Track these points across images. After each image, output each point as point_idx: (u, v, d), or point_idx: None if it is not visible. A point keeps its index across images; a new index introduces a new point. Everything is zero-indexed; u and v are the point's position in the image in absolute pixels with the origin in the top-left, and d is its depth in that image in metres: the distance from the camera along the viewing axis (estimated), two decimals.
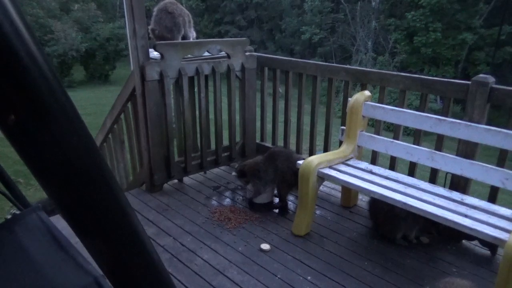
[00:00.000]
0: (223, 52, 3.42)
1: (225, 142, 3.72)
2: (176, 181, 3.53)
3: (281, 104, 3.72)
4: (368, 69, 3.34)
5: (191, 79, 3.29)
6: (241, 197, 3.31)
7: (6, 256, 0.56)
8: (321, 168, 2.66)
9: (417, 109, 2.80)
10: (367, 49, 20.87)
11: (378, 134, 2.93)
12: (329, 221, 2.96)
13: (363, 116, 2.86)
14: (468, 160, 2.40)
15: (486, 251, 2.59)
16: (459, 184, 2.59)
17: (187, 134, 3.33)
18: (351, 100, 2.88)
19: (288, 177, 2.97)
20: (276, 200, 3.22)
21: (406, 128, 3.17)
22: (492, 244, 2.45)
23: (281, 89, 3.83)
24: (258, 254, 2.56)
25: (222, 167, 3.82)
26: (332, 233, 2.80)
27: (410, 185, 2.53)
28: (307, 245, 2.66)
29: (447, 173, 2.55)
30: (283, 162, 3.00)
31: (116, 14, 25.41)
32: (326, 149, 3.35)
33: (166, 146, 3.24)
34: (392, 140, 2.75)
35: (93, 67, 20.50)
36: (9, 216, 0.62)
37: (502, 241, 1.92)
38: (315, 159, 2.70)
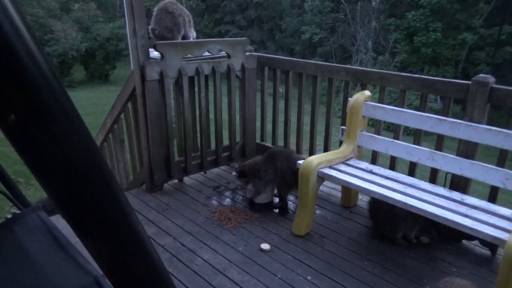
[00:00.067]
0: (223, 52, 3.42)
1: (225, 142, 3.72)
2: (176, 181, 3.53)
3: (281, 104, 3.72)
4: (368, 69, 3.34)
5: (191, 79, 3.29)
6: (241, 197, 3.31)
7: (6, 256, 0.56)
8: (321, 168, 2.66)
9: (417, 109, 2.80)
10: (367, 49, 20.87)
11: (378, 134, 2.93)
12: (329, 221, 2.96)
13: (363, 116, 2.86)
14: (468, 160, 2.40)
15: (486, 251, 2.59)
16: (459, 184, 2.59)
17: (187, 134, 3.33)
18: (351, 100, 2.88)
19: (288, 177, 2.97)
20: (276, 200, 3.22)
21: (406, 128, 3.17)
22: (492, 244, 2.45)
23: (281, 89, 3.83)
24: (258, 254, 2.56)
25: (222, 167, 3.82)
26: (332, 233, 2.80)
27: (410, 185, 2.53)
28: (307, 245, 2.66)
29: (447, 173, 2.55)
30: (283, 162, 3.00)
31: (116, 14, 25.41)
32: (326, 149, 3.35)
33: (166, 146, 3.24)
34: (392, 140, 2.75)
35: (93, 67, 20.50)
36: (9, 216, 0.62)
37: (502, 241, 1.92)
38: (315, 159, 2.69)
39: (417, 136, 2.79)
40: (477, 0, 18.36)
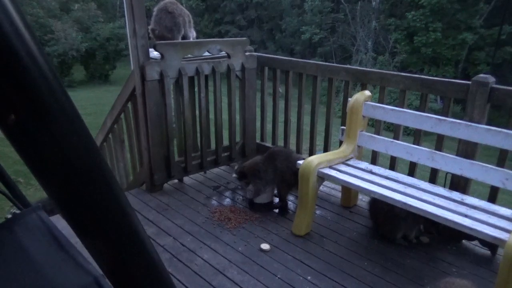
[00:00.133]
0: (223, 52, 3.42)
1: (225, 142, 3.72)
2: (176, 181, 3.53)
3: (281, 104, 3.72)
4: (368, 69, 3.34)
5: (191, 79, 3.29)
6: (241, 197, 3.31)
7: (6, 256, 0.56)
8: (321, 168, 2.66)
9: (417, 109, 2.80)
10: (367, 49, 20.87)
11: (378, 134, 2.93)
12: (329, 221, 2.96)
13: (363, 116, 2.86)
14: (468, 160, 2.40)
15: (486, 251, 2.59)
16: (459, 184, 2.59)
17: (187, 134, 3.33)
18: (351, 100, 2.88)
19: (287, 176, 2.97)
20: (276, 200, 3.22)
21: (406, 128, 3.17)
22: (492, 244, 2.45)
23: (281, 89, 3.83)
24: (258, 254, 2.56)
25: (222, 167, 3.82)
26: (332, 233, 2.80)
27: (410, 185, 2.53)
28: (307, 245, 2.66)
29: (447, 173, 2.55)
30: (282, 162, 3.00)
31: (116, 14, 25.42)
32: (326, 149, 3.35)
33: (166, 146, 3.24)
34: (392, 140, 2.75)
35: (93, 67, 20.51)
36: (9, 216, 0.62)
37: (502, 241, 1.92)
38: (315, 159, 2.70)
39: (417, 136, 2.79)
40: (477, 0, 18.36)
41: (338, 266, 2.44)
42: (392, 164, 2.97)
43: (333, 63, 16.48)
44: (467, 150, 2.51)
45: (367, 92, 2.87)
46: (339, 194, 3.27)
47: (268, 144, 3.92)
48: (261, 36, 25.29)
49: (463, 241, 2.67)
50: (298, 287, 2.27)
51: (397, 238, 2.65)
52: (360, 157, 2.96)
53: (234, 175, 3.21)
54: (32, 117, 0.33)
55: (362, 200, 3.21)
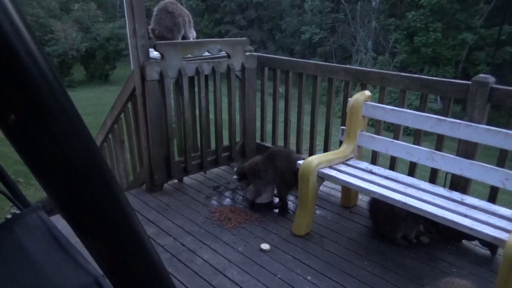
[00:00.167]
0: (223, 52, 3.42)
1: (225, 142, 3.72)
2: (176, 181, 3.53)
3: (281, 104, 3.72)
4: (368, 69, 3.34)
5: (191, 79, 3.29)
6: (241, 197, 3.31)
7: (6, 256, 0.56)
8: (321, 168, 2.66)
9: (417, 109, 2.80)
10: (367, 49, 20.87)
11: (378, 134, 2.93)
12: (329, 221, 2.96)
13: (363, 116, 2.86)
14: (468, 160, 2.40)
15: (486, 251, 2.59)
16: (459, 184, 2.59)
17: (187, 134, 3.33)
18: (351, 100, 2.88)
19: (287, 176, 2.97)
20: (276, 200, 3.22)
21: (406, 128, 3.17)
22: (492, 244, 2.44)
23: (281, 89, 3.83)
24: (258, 254, 2.56)
25: (222, 167, 3.82)
26: (332, 233, 2.80)
27: (410, 185, 2.53)
28: (307, 245, 2.66)
29: (447, 173, 2.55)
30: (282, 162, 3.00)
31: (116, 14, 25.42)
32: (326, 149, 3.35)
33: (166, 146, 3.24)
34: (392, 140, 2.75)
35: (93, 67, 20.51)
36: (9, 216, 0.62)
37: (502, 241, 1.92)
38: (315, 159, 2.70)
39: (417, 136, 2.79)
40: (477, 0, 18.36)
41: (338, 266, 2.44)
42: (392, 164, 2.97)
43: (333, 63, 16.48)
44: (467, 150, 2.51)
45: (367, 92, 2.87)
46: (339, 194, 3.27)
47: (268, 144, 3.92)
48: (261, 36, 25.29)
49: (463, 241, 2.67)
50: (298, 287, 2.27)
51: (397, 238, 2.65)
52: (360, 157, 2.96)
53: (234, 176, 3.20)
54: (32, 117, 0.33)
55: (362, 200, 3.21)
